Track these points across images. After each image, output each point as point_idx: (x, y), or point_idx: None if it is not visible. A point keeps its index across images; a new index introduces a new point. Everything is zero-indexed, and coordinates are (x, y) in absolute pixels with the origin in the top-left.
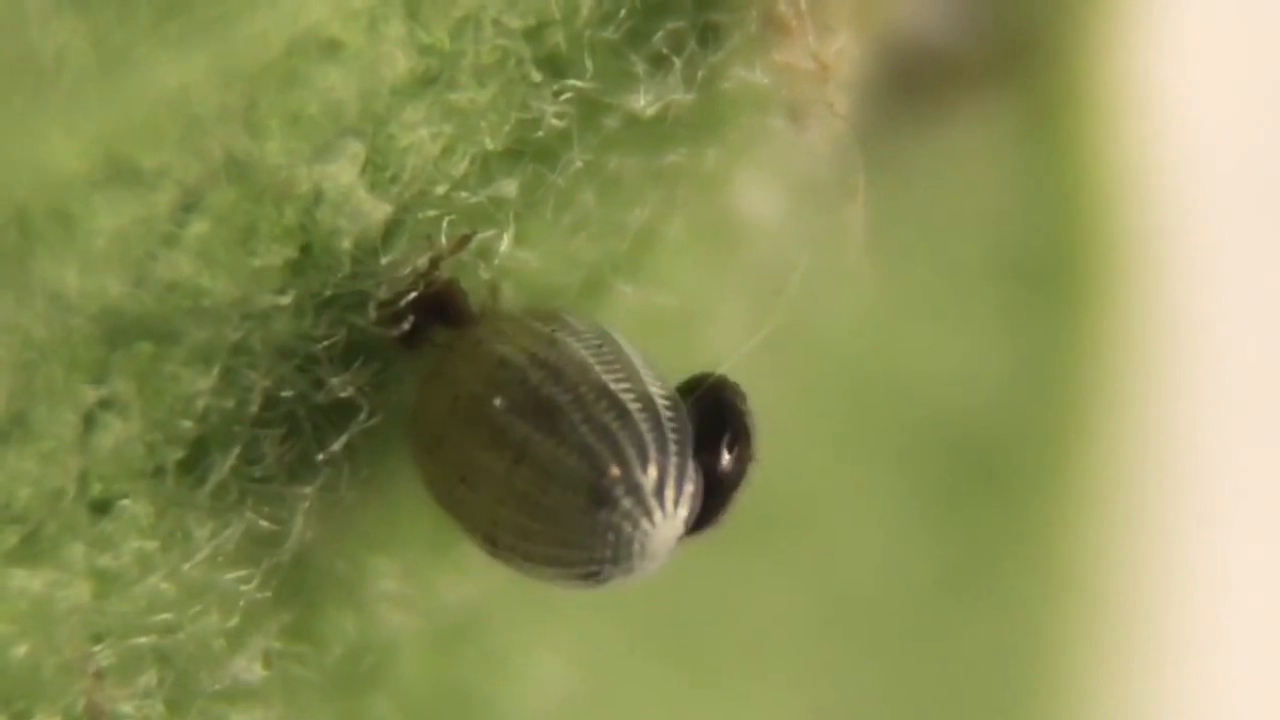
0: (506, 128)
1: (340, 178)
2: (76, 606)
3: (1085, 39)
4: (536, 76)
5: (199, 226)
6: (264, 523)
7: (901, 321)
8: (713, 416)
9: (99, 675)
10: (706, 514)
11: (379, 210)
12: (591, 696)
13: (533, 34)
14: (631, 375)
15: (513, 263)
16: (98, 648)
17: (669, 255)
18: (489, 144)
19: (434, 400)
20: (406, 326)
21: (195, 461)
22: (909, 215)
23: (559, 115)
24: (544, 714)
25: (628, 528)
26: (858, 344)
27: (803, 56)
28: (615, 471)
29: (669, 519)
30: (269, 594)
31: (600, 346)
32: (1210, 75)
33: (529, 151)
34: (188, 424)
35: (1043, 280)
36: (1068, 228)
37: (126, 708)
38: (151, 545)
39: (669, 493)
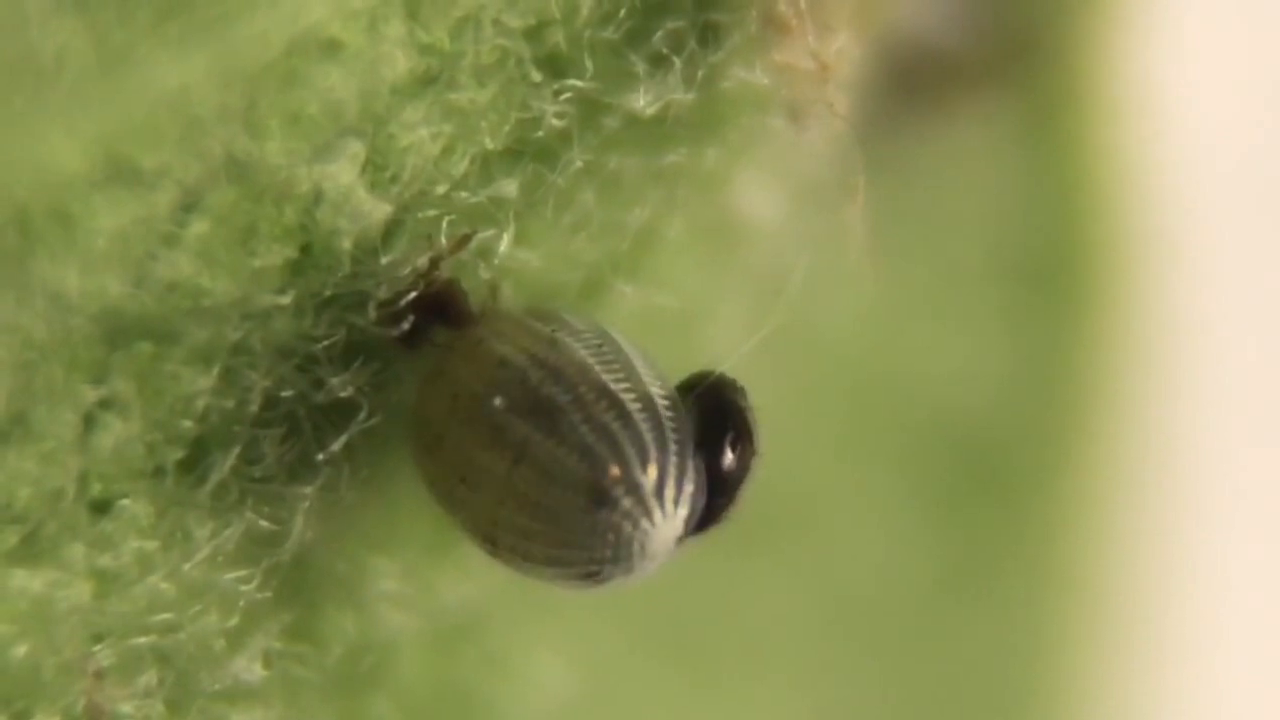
0: (506, 128)
1: (340, 178)
2: (76, 606)
3: (1085, 39)
4: (536, 76)
5: (199, 226)
6: (264, 523)
7: (902, 322)
8: (714, 414)
9: (99, 675)
10: (711, 512)
11: (379, 210)
12: (591, 696)
13: (533, 34)
14: (631, 375)
15: (513, 263)
16: (98, 648)
17: (669, 255)
18: (489, 144)
19: (434, 400)
20: (406, 326)
21: (195, 461)
22: (909, 215)
23: (559, 115)
24: (544, 714)
25: (628, 527)
26: (858, 344)
27: (803, 56)
28: (615, 471)
29: (669, 519)
30: (269, 594)
31: (600, 346)
32: (1210, 75)
33: (529, 151)
34: (188, 424)
35: (1043, 280)
36: (1068, 228)
37: (126, 708)
38: (151, 545)
39: (669, 492)
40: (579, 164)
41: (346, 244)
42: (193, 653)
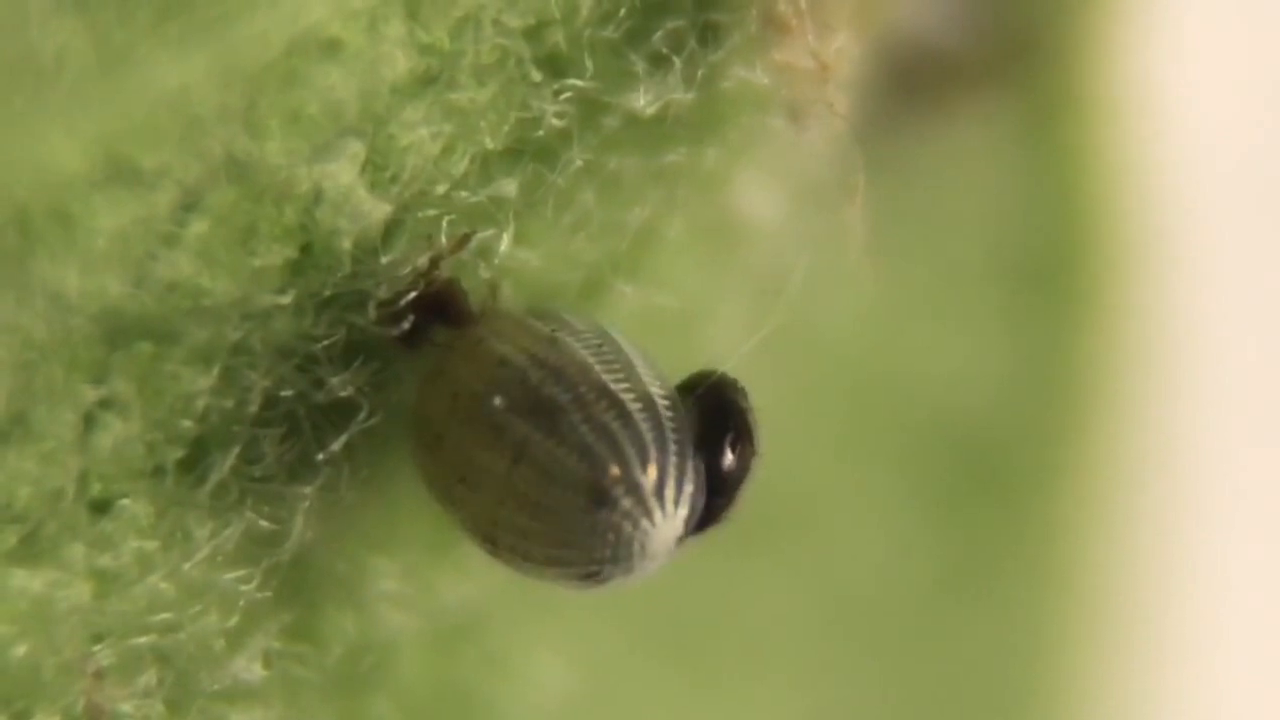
0: (506, 127)
1: (340, 177)
2: (76, 606)
3: (1085, 39)
4: (536, 76)
5: (199, 226)
6: (264, 523)
7: (902, 322)
8: (714, 414)
9: (99, 675)
10: (711, 512)
11: (379, 210)
12: (591, 696)
13: (533, 33)
14: (631, 375)
15: (513, 262)
16: (98, 648)
17: (669, 255)
18: (489, 143)
19: (434, 400)
20: (406, 326)
21: (195, 461)
22: (909, 215)
23: (559, 115)
24: (544, 714)
25: (628, 527)
26: (858, 344)
27: (803, 56)
28: (615, 471)
29: (669, 519)
30: (269, 594)
31: (600, 346)
32: (1210, 75)
33: (529, 151)
34: (188, 424)
35: (1043, 280)
36: (1068, 228)
37: (126, 708)
38: (151, 545)
39: (669, 492)
40: (579, 164)
41: (346, 244)
42: (193, 653)
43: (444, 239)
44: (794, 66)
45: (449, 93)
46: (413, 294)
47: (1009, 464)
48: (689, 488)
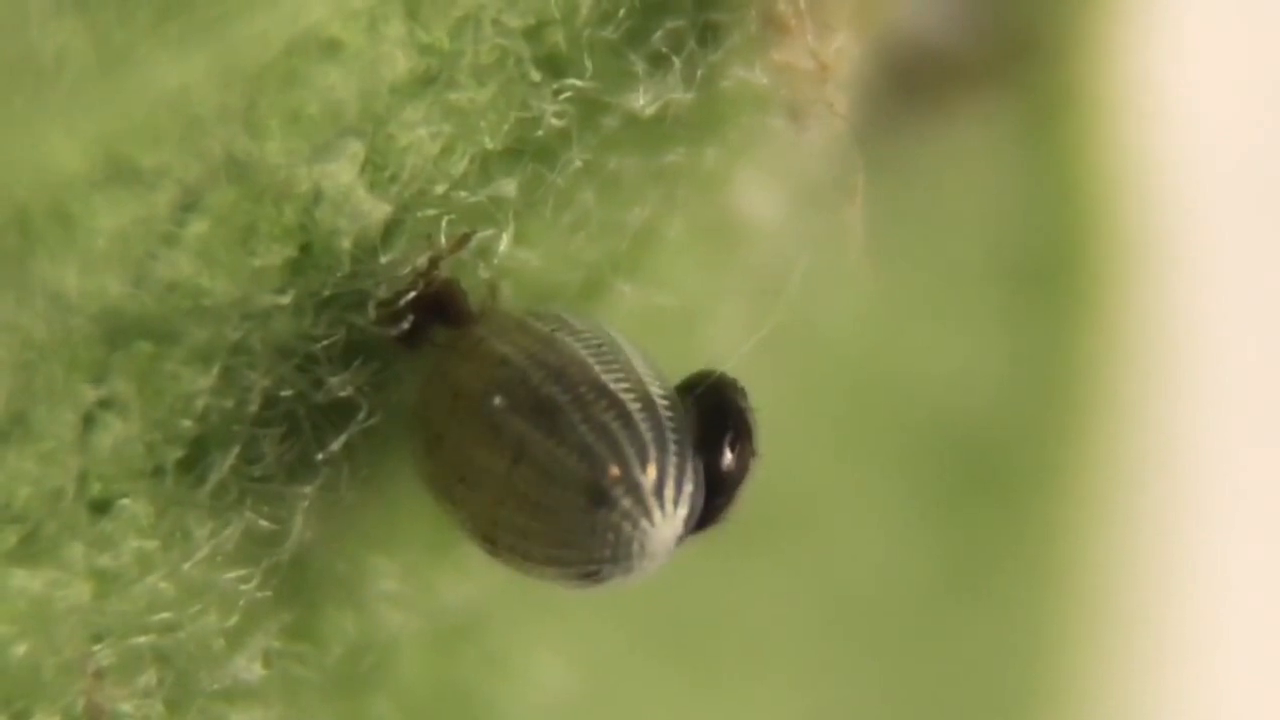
0: (506, 127)
1: (340, 177)
2: (76, 606)
3: (1085, 39)
4: (536, 76)
5: (199, 226)
6: (264, 522)
7: (901, 322)
8: (714, 414)
9: (99, 675)
10: (711, 512)
11: (378, 210)
12: (591, 696)
13: (532, 33)
14: (631, 375)
15: (512, 262)
16: (97, 647)
17: (669, 255)
18: (488, 143)
19: (434, 400)
20: (406, 326)
21: (195, 461)
22: (909, 215)
23: (558, 115)
24: (544, 714)
25: (627, 527)
26: (858, 344)
27: (802, 56)
28: (615, 471)
29: (668, 519)
30: (269, 594)
31: (600, 346)
32: (1210, 75)
33: (528, 151)
34: (187, 423)
35: (1043, 280)
36: (1068, 228)
37: (126, 707)
38: (151, 545)
39: (668, 492)
40: (578, 164)
41: (346, 243)
42: (192, 652)
43: (443, 239)
44: (794, 66)
45: (449, 93)
46: (412, 294)
47: (1009, 464)
48: (689, 487)
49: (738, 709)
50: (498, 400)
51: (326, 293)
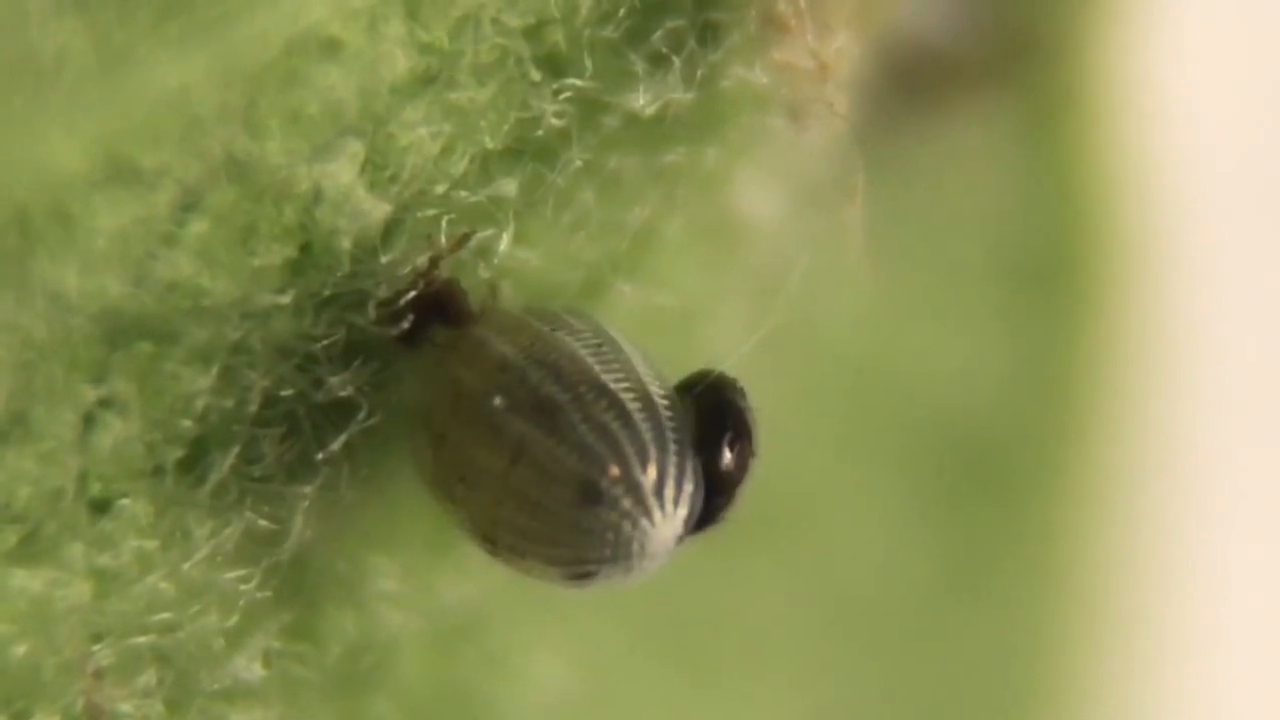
0: (506, 127)
1: (340, 177)
2: (76, 606)
3: (1085, 39)
4: (536, 75)
5: (199, 226)
6: (264, 522)
7: (901, 321)
8: (713, 414)
9: (98, 675)
10: (710, 512)
11: (379, 209)
12: (591, 696)
13: (532, 33)
14: (631, 375)
15: (512, 262)
16: (97, 647)
17: (669, 255)
18: (489, 143)
19: (434, 400)
20: (406, 326)
21: (195, 461)
22: (909, 215)
23: (558, 114)
24: (544, 714)
25: (627, 527)
26: (858, 344)
27: (802, 56)
28: (615, 471)
29: (668, 518)
30: (269, 593)
31: (600, 346)
32: (1210, 75)
33: (529, 151)
34: (187, 423)
35: (1043, 280)
36: (1068, 228)
37: (126, 707)
38: (151, 545)
39: (668, 492)
40: (578, 163)
41: (346, 243)
42: (192, 652)
43: (444, 239)
44: (794, 66)
45: (449, 92)
46: (412, 294)
47: (1009, 464)
48: (688, 487)
49: (738, 709)
50: (498, 400)
51: (326, 293)
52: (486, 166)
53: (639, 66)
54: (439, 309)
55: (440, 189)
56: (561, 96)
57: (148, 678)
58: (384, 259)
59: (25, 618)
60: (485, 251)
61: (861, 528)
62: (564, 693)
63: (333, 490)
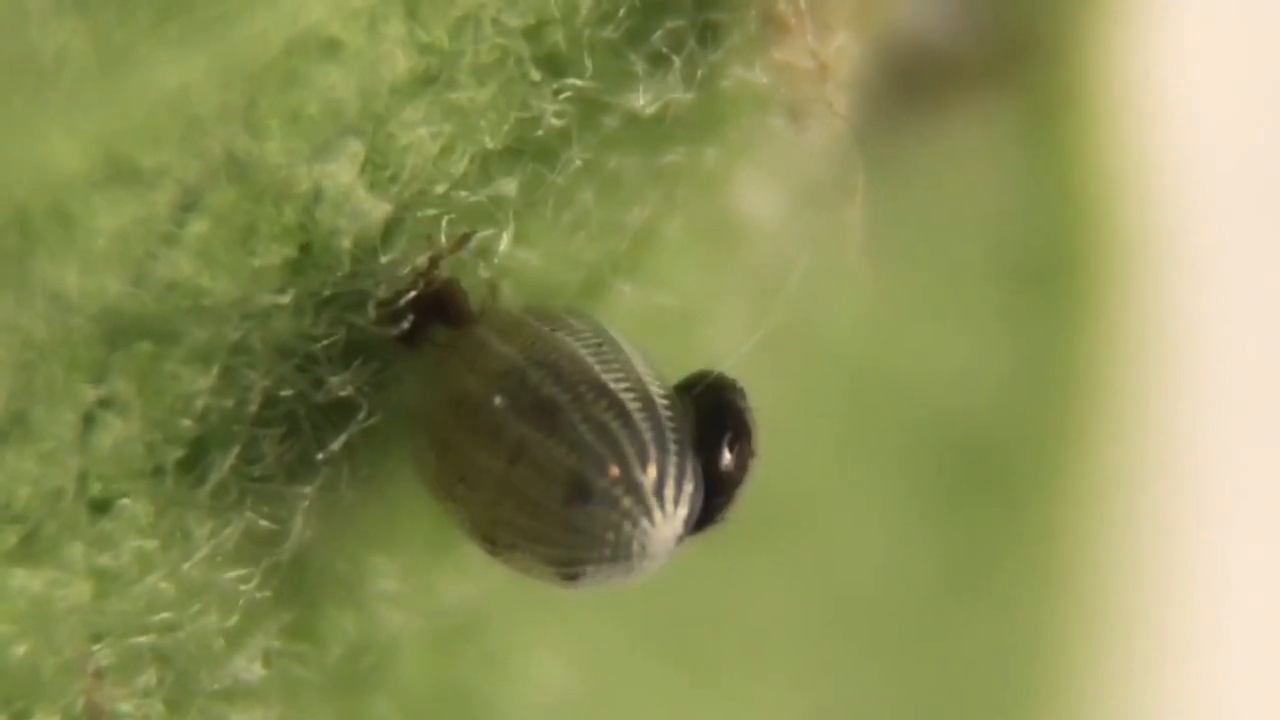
0: (506, 127)
1: (340, 177)
2: (76, 606)
3: (1085, 39)
4: (536, 75)
5: (199, 226)
6: (264, 522)
7: (902, 322)
8: (713, 414)
9: (98, 675)
10: (709, 512)
11: (378, 209)
12: (591, 696)
13: (532, 33)
14: (631, 375)
15: (512, 262)
16: (97, 647)
17: (669, 255)
18: (489, 143)
19: (434, 400)
20: (406, 326)
21: (195, 461)
22: (909, 215)
23: (558, 114)
24: (544, 714)
25: (627, 527)
26: (858, 344)
27: (802, 56)
28: (615, 471)
29: (669, 518)
30: (269, 593)
31: (600, 345)
32: (1210, 75)
33: (529, 150)
34: (187, 423)
35: (1043, 280)
36: (1068, 228)
37: (126, 707)
38: (151, 545)
39: (669, 492)
40: (578, 163)
41: (346, 243)
42: (192, 652)
43: (444, 239)
44: (794, 66)
45: (449, 92)
46: (412, 294)
47: (1009, 464)
48: (689, 487)
49: (738, 709)
50: (498, 400)
51: (326, 292)
52: (486, 166)
53: (639, 66)
54: (439, 309)
55: (440, 189)
56: (561, 96)
57: (148, 678)
58: (384, 259)
59: (25, 618)
60: (485, 251)
61: (861, 528)
62: (564, 693)
63: (333, 490)
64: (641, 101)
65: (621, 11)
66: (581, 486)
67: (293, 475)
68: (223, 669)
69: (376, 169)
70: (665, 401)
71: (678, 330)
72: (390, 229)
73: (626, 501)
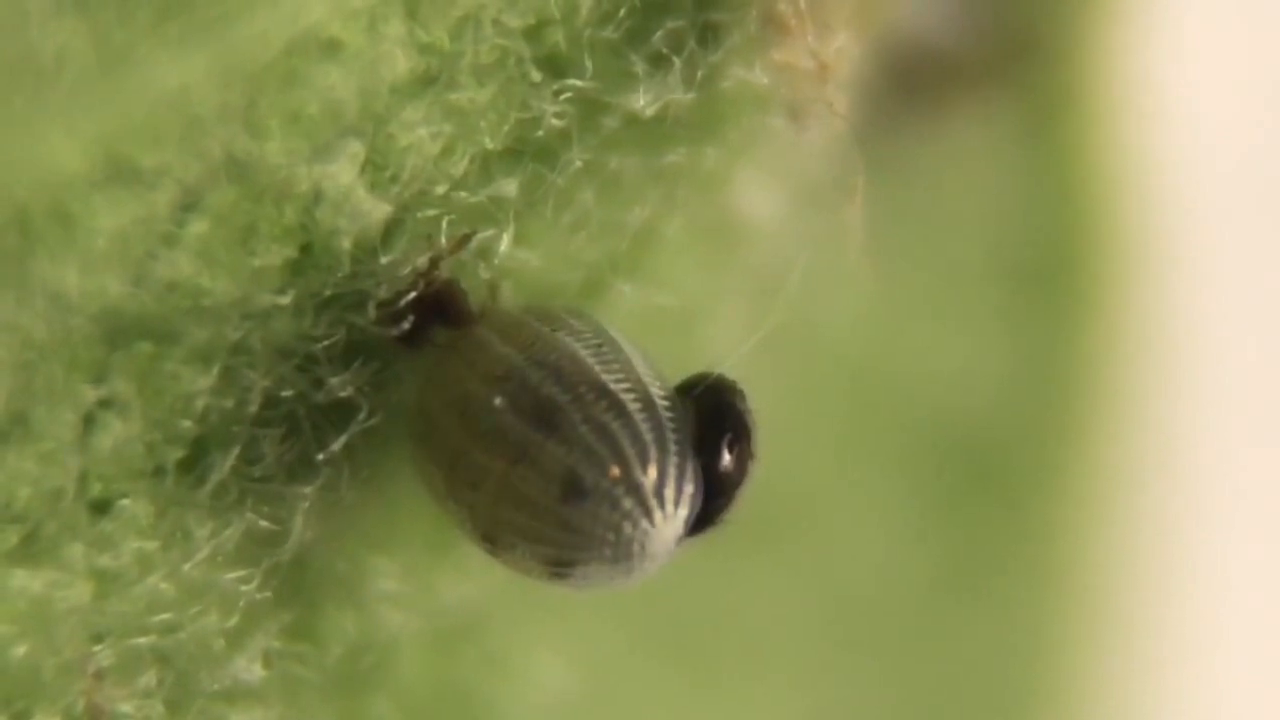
0: (506, 127)
1: (340, 177)
2: (76, 606)
3: (1085, 39)
4: (536, 76)
5: (199, 226)
6: (264, 523)
7: (901, 322)
8: (712, 415)
9: (99, 675)
10: (708, 513)
11: (379, 210)
12: (591, 696)
13: (532, 33)
14: (631, 375)
15: (512, 262)
16: (98, 648)
17: (669, 255)
18: (489, 143)
19: (434, 400)
20: (406, 326)
21: (195, 461)
22: (909, 215)
23: (559, 115)
24: (544, 714)
25: (628, 528)
26: (858, 344)
27: (802, 56)
28: (615, 471)
29: (669, 519)
30: (269, 594)
31: (600, 346)
32: (1210, 75)
33: (529, 151)
34: (187, 424)
35: (1043, 280)
36: (1068, 228)
37: (126, 708)
38: (151, 545)
39: (669, 492)
40: (579, 164)
41: (346, 244)
42: (193, 653)
43: (444, 239)
44: (794, 66)
45: (449, 93)
46: (413, 294)
47: (1009, 464)
48: (689, 488)
49: (738, 709)
50: (498, 401)
51: (327, 293)
52: (486, 167)
53: (639, 67)
54: (439, 309)
55: (440, 189)
56: (562, 97)
57: (148, 678)
58: (384, 259)
59: (25, 618)
60: (485, 252)
61: (861, 528)
62: (564, 693)
63: (333, 490)
64: (642, 102)
65: (621, 12)
66: (577, 484)
67: (293, 475)
68: (223, 669)
69: (377, 169)
70: (665, 402)
71: (678, 330)
72: (390, 229)
73: (627, 502)
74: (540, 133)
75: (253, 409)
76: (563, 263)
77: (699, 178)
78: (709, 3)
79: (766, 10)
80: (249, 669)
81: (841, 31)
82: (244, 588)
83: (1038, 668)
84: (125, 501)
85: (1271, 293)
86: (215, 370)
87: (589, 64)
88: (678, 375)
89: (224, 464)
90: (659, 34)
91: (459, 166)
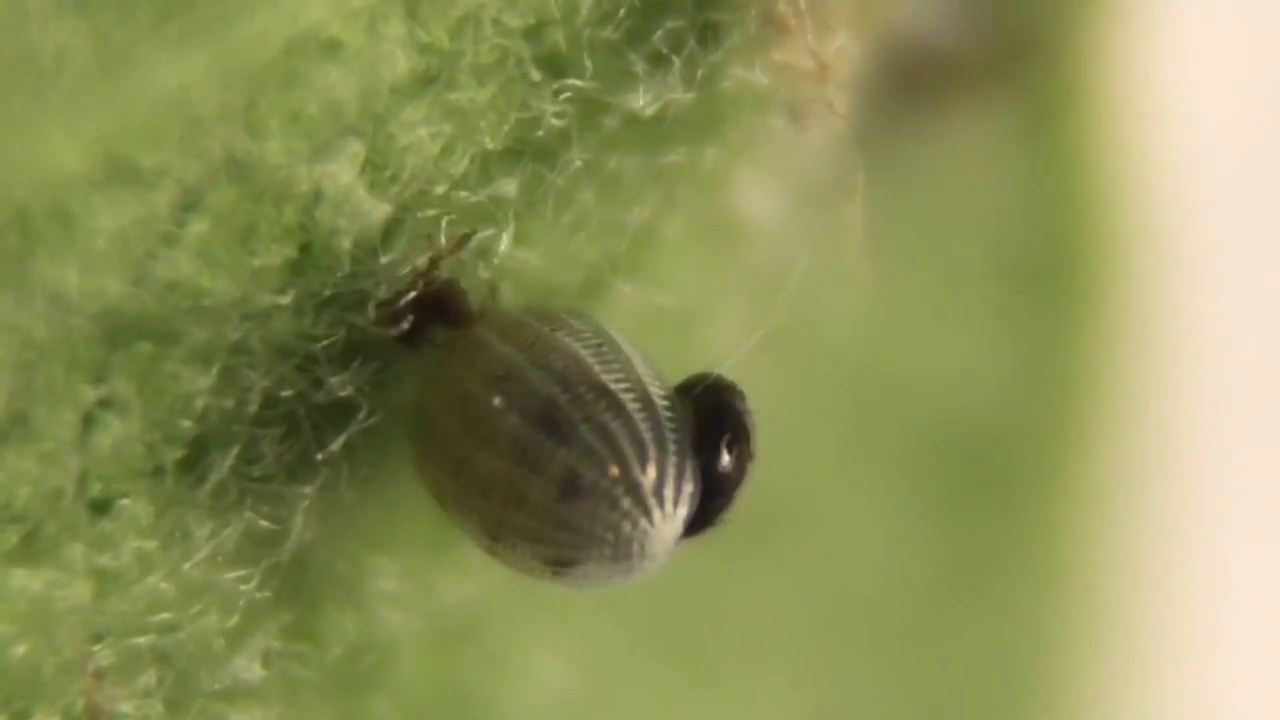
0: (506, 127)
1: (340, 177)
2: (76, 606)
3: (1085, 39)
4: (536, 76)
5: (199, 226)
6: (264, 522)
7: (902, 322)
8: (711, 416)
9: (99, 675)
10: (707, 513)
11: (379, 210)
12: (591, 696)
13: (532, 33)
14: (631, 375)
15: (512, 262)
16: (97, 647)
17: (669, 255)
18: (489, 143)
19: (434, 400)
20: (406, 326)
21: (195, 461)
22: (909, 215)
23: (558, 115)
24: (544, 714)
25: (627, 527)
26: (858, 344)
27: (802, 56)
28: (614, 471)
29: (668, 519)
30: (269, 594)
31: (600, 346)
32: (1210, 75)
33: (529, 151)
34: (187, 423)
35: (1043, 280)
36: (1068, 228)
37: (126, 707)
38: (151, 545)
39: (668, 492)
40: (578, 164)
41: (346, 244)
42: (192, 652)
43: (444, 239)
44: (794, 66)
45: (449, 93)
46: (412, 294)
47: (1009, 464)
48: (688, 488)
49: (738, 709)
50: (497, 400)
51: (326, 293)
52: (486, 167)
53: (639, 67)
54: (439, 309)
55: (440, 189)
56: (561, 97)
57: (148, 678)
58: (384, 259)
59: (25, 618)
60: (485, 252)
61: (861, 528)
62: (564, 693)
63: (333, 490)
64: (641, 102)
65: (621, 12)
66: (576, 483)
67: (293, 475)
68: (223, 669)
69: (376, 169)
70: (665, 402)
71: (678, 330)
72: (390, 229)
73: (626, 502)
74: (540, 132)
75: (252, 409)
76: (563, 263)
77: (699, 178)
78: (709, 3)
79: (766, 10)
80: (249, 669)
81: (841, 31)
82: (244, 587)
83: (1038, 668)
84: (125, 501)
85: (1271, 293)
86: (215, 370)
87: (589, 64)
88: (678, 375)
89: (224, 464)
90: (659, 34)
91: (459, 166)
